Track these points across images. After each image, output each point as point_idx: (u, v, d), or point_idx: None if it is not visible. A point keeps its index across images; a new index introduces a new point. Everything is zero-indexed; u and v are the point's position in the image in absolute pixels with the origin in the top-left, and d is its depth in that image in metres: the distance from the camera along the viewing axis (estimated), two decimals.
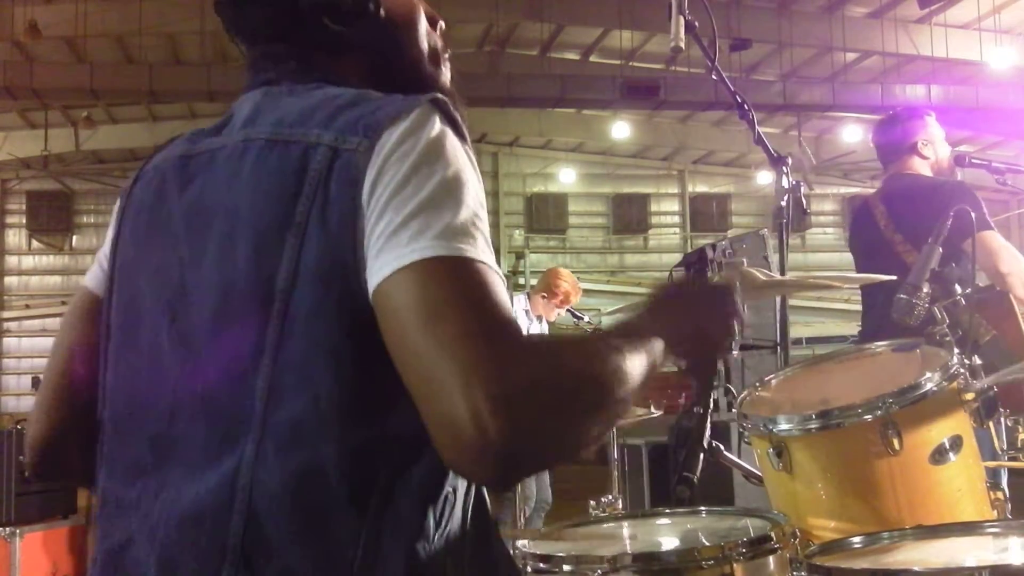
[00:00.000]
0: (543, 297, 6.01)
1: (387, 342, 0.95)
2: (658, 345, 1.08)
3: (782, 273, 2.30)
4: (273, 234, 1.02)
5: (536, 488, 5.79)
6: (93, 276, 1.27)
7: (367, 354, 0.99)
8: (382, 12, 1.21)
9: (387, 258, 0.96)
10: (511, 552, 1.52)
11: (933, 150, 3.65)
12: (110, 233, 1.24)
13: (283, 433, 0.99)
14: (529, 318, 5.97)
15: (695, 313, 1.22)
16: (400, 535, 1.01)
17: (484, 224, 1.01)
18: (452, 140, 1.04)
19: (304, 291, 1.00)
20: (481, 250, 0.98)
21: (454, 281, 0.95)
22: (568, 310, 6.06)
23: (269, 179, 1.05)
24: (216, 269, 1.06)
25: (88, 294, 1.27)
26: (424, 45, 1.28)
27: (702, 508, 1.79)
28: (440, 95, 1.08)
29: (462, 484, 1.07)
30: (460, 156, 1.03)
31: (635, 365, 1.02)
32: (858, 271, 3.84)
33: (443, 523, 1.04)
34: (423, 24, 1.28)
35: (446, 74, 1.32)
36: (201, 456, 1.03)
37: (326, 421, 0.99)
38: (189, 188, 1.12)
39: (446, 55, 1.32)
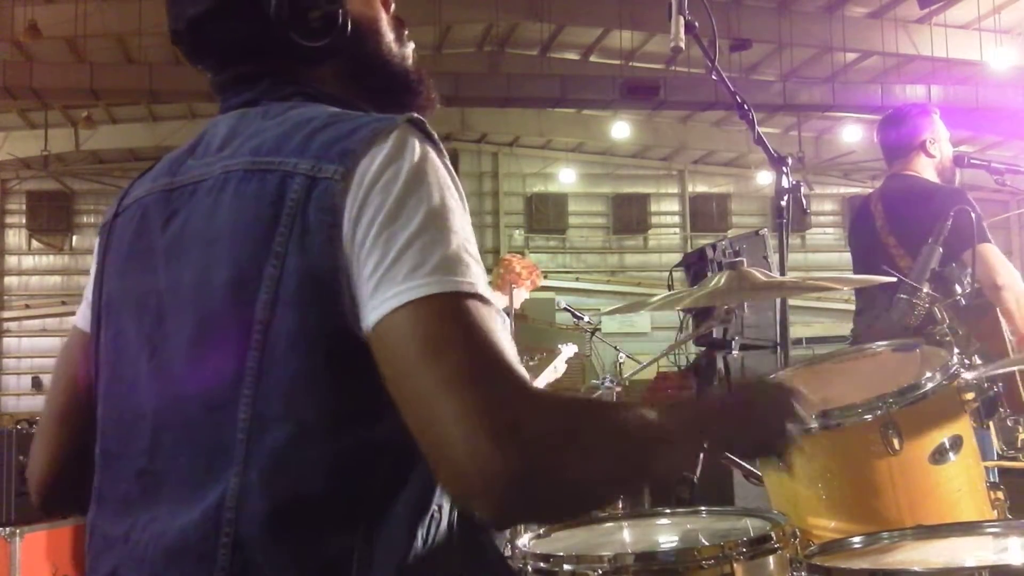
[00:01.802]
0: (514, 287, 5.85)
1: (386, 379, 0.95)
2: (696, 434, 1.06)
3: (782, 273, 2.30)
4: (252, 264, 1.02)
5: None
6: (82, 316, 1.28)
7: (349, 377, 0.99)
8: (349, 24, 1.20)
9: (383, 296, 0.96)
10: (511, 551, 1.52)
11: (939, 149, 3.64)
12: (93, 269, 1.24)
13: (267, 462, 0.99)
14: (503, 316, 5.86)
15: (753, 412, 1.19)
16: (391, 554, 1.01)
17: (473, 245, 1.02)
18: (433, 162, 1.04)
19: (284, 319, 1.00)
20: (475, 278, 0.98)
21: (450, 319, 0.95)
22: (567, 309, 6.04)
23: (247, 209, 1.04)
24: (193, 300, 1.06)
25: (79, 333, 1.27)
26: (390, 38, 1.27)
27: (702, 508, 1.79)
28: (415, 115, 1.08)
29: (447, 503, 1.07)
30: (443, 179, 1.03)
31: (656, 441, 1.00)
32: (855, 270, 3.84)
33: (430, 539, 1.04)
34: (384, 18, 1.27)
35: (409, 55, 1.30)
36: (185, 489, 1.03)
37: (311, 447, 0.99)
38: (172, 221, 1.12)
39: (405, 33, 1.31)
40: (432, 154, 1.05)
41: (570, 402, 1.01)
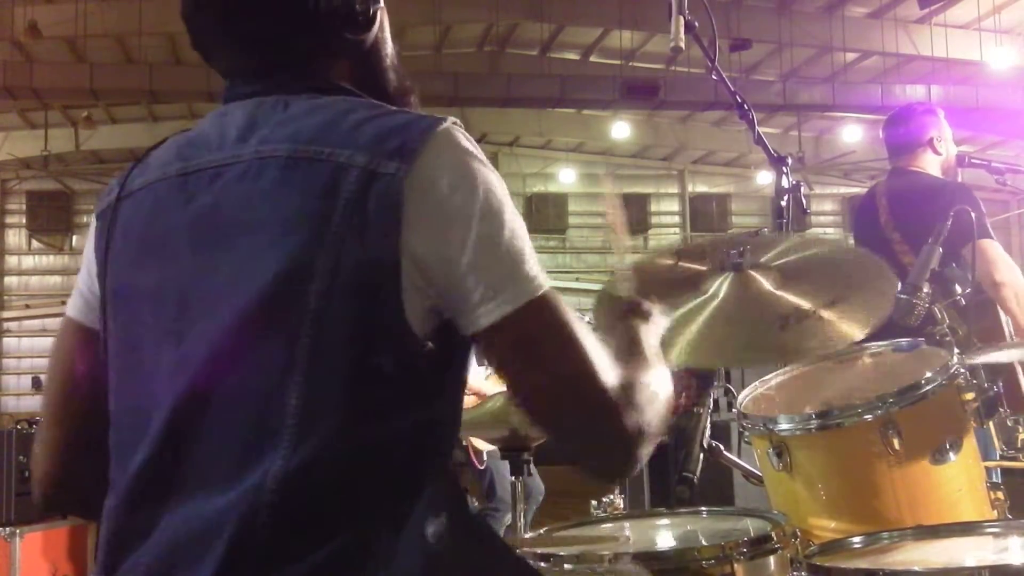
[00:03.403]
0: None
1: (516, 368, 1.07)
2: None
3: None
4: (304, 254, 1.02)
5: (531, 487, 5.79)
6: (75, 306, 1.24)
7: (399, 367, 1.02)
8: (379, 19, 1.22)
9: (496, 300, 1.04)
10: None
11: (946, 147, 3.64)
12: (91, 257, 1.21)
13: (315, 448, 1.00)
14: None
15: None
16: (415, 540, 1.02)
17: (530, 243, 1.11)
18: (484, 162, 1.09)
19: (338, 310, 1.01)
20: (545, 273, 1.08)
21: (562, 313, 1.06)
22: None
23: (294, 198, 1.04)
24: (233, 288, 1.05)
25: (72, 324, 1.24)
26: (391, 54, 1.29)
27: (702, 508, 1.79)
28: (453, 118, 1.11)
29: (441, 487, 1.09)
30: (495, 177, 1.09)
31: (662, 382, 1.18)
32: None
33: (455, 528, 1.07)
34: (387, 29, 1.28)
35: (405, 76, 1.32)
36: (220, 474, 1.02)
37: (357, 435, 1.02)
38: (192, 204, 1.10)
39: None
40: (481, 155, 1.10)
41: (629, 371, 1.12)
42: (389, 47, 1.28)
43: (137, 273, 1.14)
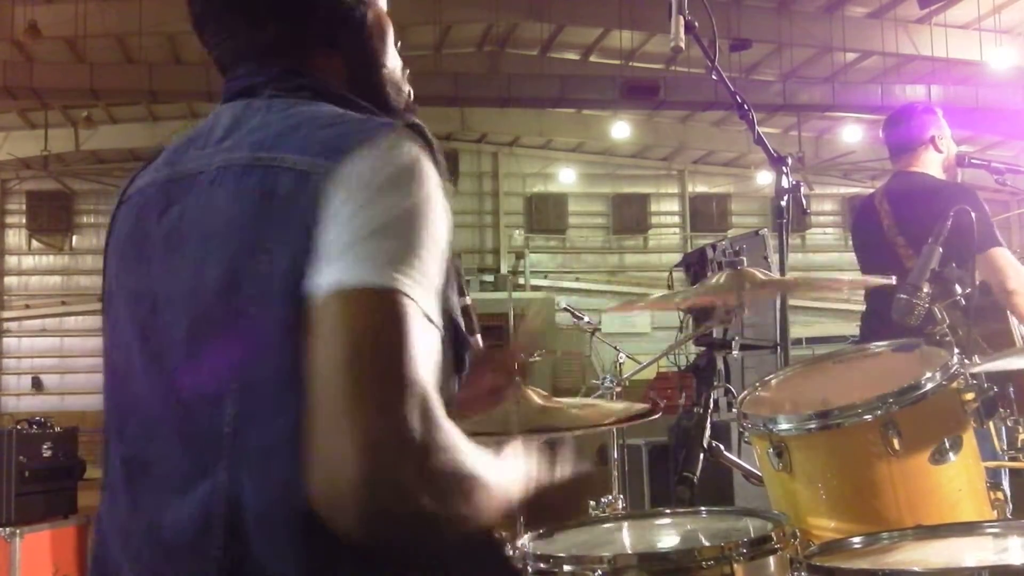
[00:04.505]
0: None
1: (309, 346, 0.95)
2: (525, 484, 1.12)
3: (782, 273, 2.30)
4: (243, 258, 1.02)
5: None
6: None
7: None
8: (369, 17, 1.23)
9: (325, 275, 0.97)
10: (511, 551, 1.52)
11: (947, 146, 3.63)
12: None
13: (256, 456, 0.99)
14: None
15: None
16: (390, 550, 0.99)
17: (432, 259, 1.01)
18: (422, 169, 1.04)
19: (272, 316, 1.00)
20: (419, 287, 0.98)
21: (379, 320, 0.95)
22: (567, 309, 6.05)
23: (241, 204, 1.05)
24: (188, 295, 1.06)
25: None
26: (393, 63, 1.30)
27: (702, 508, 1.78)
28: (418, 121, 1.08)
29: None
30: (427, 186, 1.03)
31: (511, 492, 1.06)
32: (860, 268, 3.83)
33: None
34: (391, 36, 1.30)
35: (407, 90, 1.33)
36: (178, 480, 1.04)
37: (298, 440, 0.97)
38: (168, 212, 1.12)
39: (406, 72, 1.34)
40: (424, 163, 1.04)
41: (462, 462, 0.98)
42: (389, 57, 1.28)
43: (123, 276, 1.17)
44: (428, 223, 1.01)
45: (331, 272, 0.97)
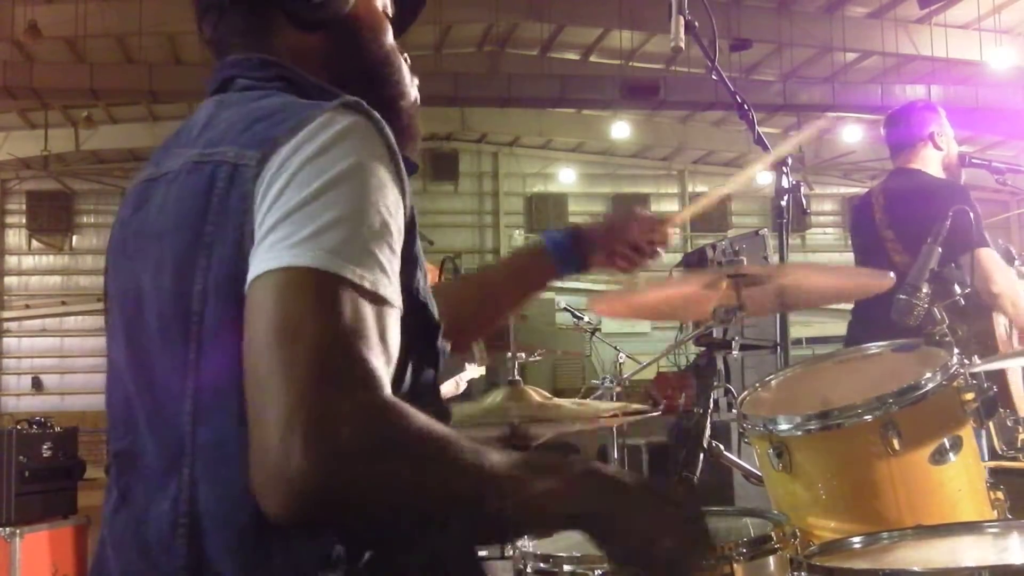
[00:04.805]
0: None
1: (244, 344, 0.92)
2: (558, 501, 0.95)
3: None
4: (187, 255, 1.02)
5: None
6: None
7: None
8: (359, 6, 1.22)
9: (256, 260, 0.94)
10: (511, 551, 1.52)
11: (947, 143, 3.63)
12: None
13: (210, 454, 0.99)
14: None
15: (651, 521, 1.01)
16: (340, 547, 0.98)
17: (387, 240, 0.96)
18: (353, 138, 0.99)
19: (215, 309, 1.00)
20: (354, 259, 0.92)
21: (310, 299, 0.90)
22: (567, 308, 6.05)
23: (186, 201, 1.05)
24: (152, 293, 1.07)
25: None
26: (386, 57, 1.27)
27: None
28: (354, 99, 1.03)
29: None
30: (358, 154, 0.98)
31: (493, 488, 0.91)
32: (856, 266, 3.83)
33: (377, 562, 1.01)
34: (388, 39, 1.28)
35: (412, 94, 1.31)
36: (156, 477, 1.04)
37: (246, 439, 0.92)
38: (139, 212, 1.13)
39: (414, 80, 1.32)
40: (356, 132, 1.00)
41: (413, 437, 0.89)
42: (377, 50, 1.26)
43: (112, 274, 1.18)
44: (362, 191, 0.96)
45: (256, 261, 0.94)
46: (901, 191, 3.57)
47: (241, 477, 0.90)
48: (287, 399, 0.85)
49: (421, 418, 0.90)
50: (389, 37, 1.29)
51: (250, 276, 0.94)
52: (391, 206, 0.99)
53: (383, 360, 0.92)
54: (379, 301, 0.94)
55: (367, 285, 0.93)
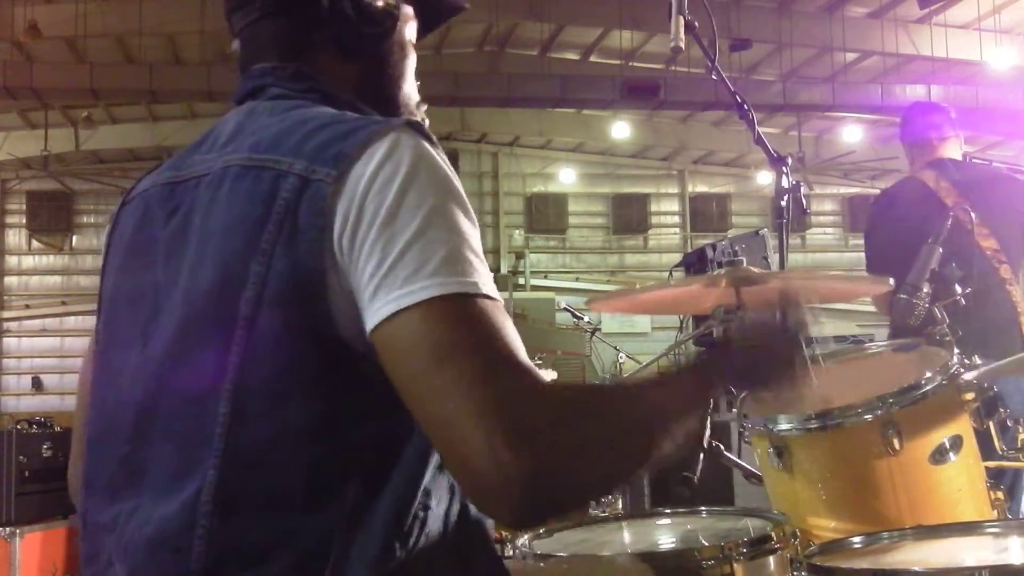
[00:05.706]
0: None
1: (395, 383, 0.96)
2: (697, 396, 1.11)
3: None
4: (239, 260, 1.03)
5: None
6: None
7: (337, 379, 1.00)
8: (393, 35, 1.25)
9: (384, 299, 0.97)
10: (511, 551, 1.52)
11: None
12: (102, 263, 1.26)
13: (246, 458, 1.00)
14: None
15: (756, 355, 1.20)
16: (365, 556, 1.00)
17: (476, 243, 1.02)
18: (431, 161, 1.04)
19: (269, 317, 1.00)
20: (479, 277, 0.99)
21: (457, 322, 0.96)
22: (567, 308, 6.05)
23: (240, 205, 1.05)
24: (184, 294, 1.07)
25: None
26: (409, 89, 1.31)
27: (702, 508, 1.78)
28: (414, 119, 1.09)
29: (436, 503, 1.06)
30: (442, 178, 1.03)
31: (665, 415, 1.04)
32: (890, 261, 3.71)
33: (412, 541, 1.03)
34: (412, 66, 1.31)
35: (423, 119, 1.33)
36: (167, 479, 1.04)
37: (292, 446, 0.99)
38: (173, 214, 1.13)
39: (422, 107, 1.36)
40: (430, 154, 1.05)
41: (580, 397, 1.02)
42: (406, 78, 1.30)
43: (123, 277, 1.17)
44: (459, 214, 1.02)
45: (391, 295, 0.97)
46: (977, 179, 3.38)
47: (274, 484, 0.97)
48: (473, 411, 0.91)
49: (568, 384, 1.08)
50: (412, 67, 1.31)
51: (380, 316, 0.97)
52: (471, 215, 1.06)
53: (521, 347, 0.99)
54: (494, 299, 1.01)
55: (487, 291, 1.00)
